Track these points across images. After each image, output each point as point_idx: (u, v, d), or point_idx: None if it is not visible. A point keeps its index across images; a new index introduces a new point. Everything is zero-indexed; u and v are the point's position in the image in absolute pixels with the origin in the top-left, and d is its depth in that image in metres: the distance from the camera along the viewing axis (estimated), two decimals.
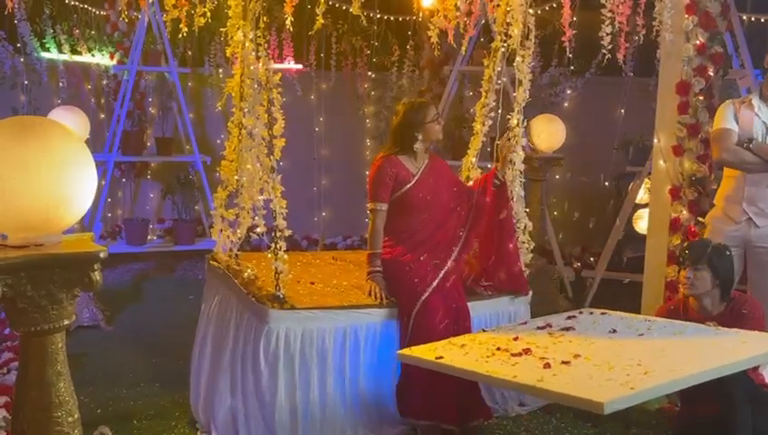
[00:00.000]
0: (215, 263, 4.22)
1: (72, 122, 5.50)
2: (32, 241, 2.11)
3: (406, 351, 3.48)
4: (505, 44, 4.23)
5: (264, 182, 3.66)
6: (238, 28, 3.62)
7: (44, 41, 7.36)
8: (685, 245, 4.06)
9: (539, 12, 6.48)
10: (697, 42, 4.82)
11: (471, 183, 4.43)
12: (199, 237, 7.55)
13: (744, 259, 4.33)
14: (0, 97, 7.07)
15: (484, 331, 3.75)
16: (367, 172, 8.22)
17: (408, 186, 4.05)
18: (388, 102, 8.15)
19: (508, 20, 4.09)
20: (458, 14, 4.21)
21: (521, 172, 4.27)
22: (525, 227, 4.34)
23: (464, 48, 4.84)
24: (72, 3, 7.40)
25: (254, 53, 3.56)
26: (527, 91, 4.21)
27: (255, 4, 3.50)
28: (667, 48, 4.86)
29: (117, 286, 6.62)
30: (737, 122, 4.31)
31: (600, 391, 2.71)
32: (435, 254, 4.02)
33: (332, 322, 3.70)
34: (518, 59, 4.10)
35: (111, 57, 7.51)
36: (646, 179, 6.11)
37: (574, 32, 4.63)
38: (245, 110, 3.65)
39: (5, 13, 5.98)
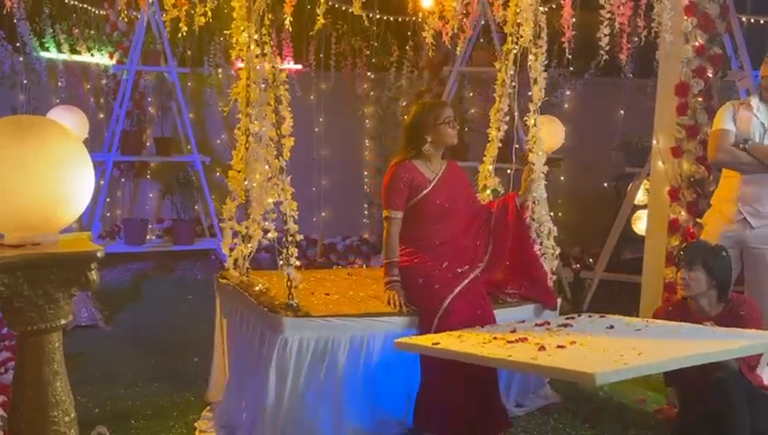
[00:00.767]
0: (224, 280, 4.05)
1: (70, 122, 5.49)
2: (29, 240, 2.11)
3: (404, 339, 3.46)
4: (517, 45, 4.13)
5: (273, 184, 3.53)
6: (243, 30, 3.53)
7: (44, 40, 7.36)
8: (681, 246, 4.06)
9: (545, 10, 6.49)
10: (696, 43, 4.83)
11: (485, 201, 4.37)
12: (198, 237, 7.55)
13: (740, 260, 4.34)
14: None
15: (481, 327, 3.72)
16: (366, 172, 8.33)
17: (425, 192, 3.92)
18: (387, 103, 8.15)
19: (518, 20, 4.04)
20: (456, 14, 4.17)
21: (543, 174, 4.15)
22: (550, 232, 4.20)
23: (459, 48, 4.80)
24: (72, 2, 7.40)
25: (259, 52, 3.48)
26: (543, 90, 4.12)
27: (260, 3, 3.45)
28: (667, 49, 4.87)
29: (115, 286, 6.61)
30: (735, 123, 4.31)
31: (591, 366, 2.71)
32: (457, 262, 3.89)
33: (350, 330, 3.55)
34: (531, 57, 4.04)
35: (111, 57, 7.52)
36: (645, 180, 6.11)
37: (574, 32, 4.63)
38: (252, 114, 3.54)
39: (4, 12, 5.99)
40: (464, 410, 3.60)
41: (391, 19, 7.82)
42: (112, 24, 7.58)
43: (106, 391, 4.36)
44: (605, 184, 7.76)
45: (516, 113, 4.34)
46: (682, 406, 3.89)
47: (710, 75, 4.85)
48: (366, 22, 4.15)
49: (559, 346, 3.07)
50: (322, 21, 3.91)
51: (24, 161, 2.03)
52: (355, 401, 3.56)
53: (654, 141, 5.11)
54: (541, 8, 4.13)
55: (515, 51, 4.20)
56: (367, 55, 7.98)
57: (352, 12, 3.92)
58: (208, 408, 4.06)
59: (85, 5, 7.51)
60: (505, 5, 4.22)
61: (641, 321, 3.73)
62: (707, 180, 4.93)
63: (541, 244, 4.21)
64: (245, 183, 3.75)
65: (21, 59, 7.18)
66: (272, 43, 3.57)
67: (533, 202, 4.14)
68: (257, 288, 3.80)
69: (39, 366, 2.15)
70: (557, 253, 4.29)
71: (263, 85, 3.54)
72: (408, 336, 3.63)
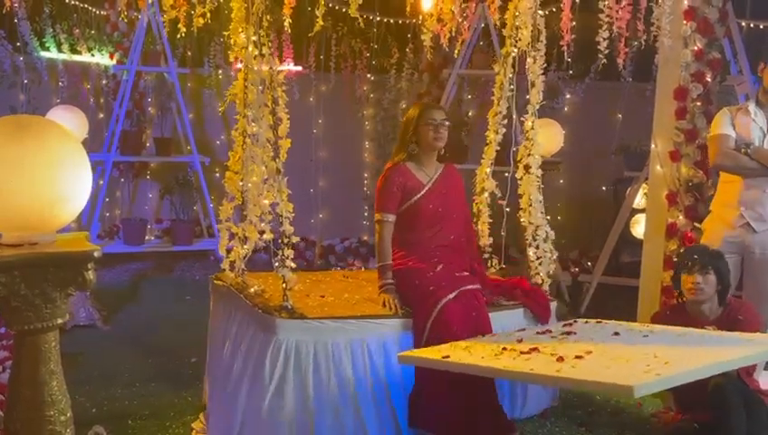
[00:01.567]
0: (219, 282, 4.05)
1: (70, 122, 5.51)
2: (26, 240, 2.11)
3: (408, 353, 3.44)
4: (516, 48, 4.14)
5: (269, 186, 3.54)
6: (241, 31, 3.54)
7: (44, 40, 7.37)
8: (684, 251, 4.05)
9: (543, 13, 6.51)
10: (695, 48, 4.83)
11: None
12: (197, 238, 7.56)
13: (741, 266, 4.33)
14: None
15: (483, 335, 3.71)
16: (365, 174, 8.33)
17: (418, 196, 3.92)
18: (386, 105, 8.16)
19: (517, 24, 4.05)
20: (453, 16, 4.18)
21: (538, 177, 4.16)
22: (547, 236, 4.21)
23: (457, 51, 4.81)
24: (73, 2, 7.41)
25: (257, 55, 3.49)
26: (540, 93, 4.14)
27: (258, 5, 3.45)
28: (665, 54, 4.87)
29: (114, 286, 6.62)
30: (734, 128, 4.31)
31: (626, 377, 2.67)
32: (452, 266, 3.89)
33: (344, 333, 3.54)
34: (529, 60, 4.06)
35: (111, 57, 7.53)
36: (643, 184, 6.11)
37: (573, 36, 4.64)
38: (250, 115, 3.54)
39: (5, 12, 6.00)
40: (461, 410, 3.58)
41: (392, 21, 7.84)
42: (113, 25, 7.59)
43: (104, 391, 4.37)
44: (604, 188, 7.77)
45: (515, 116, 4.33)
46: (678, 410, 3.89)
47: (709, 80, 4.85)
48: (362, 24, 4.12)
49: (577, 356, 3.02)
50: (321, 23, 3.90)
51: (22, 161, 2.04)
52: (350, 402, 3.55)
53: (652, 145, 5.11)
54: (540, 12, 4.14)
55: (514, 54, 4.20)
56: (367, 57, 7.99)
57: (350, 14, 3.91)
58: (206, 410, 4.05)
59: (86, 5, 7.52)
60: (503, 9, 4.23)
61: (644, 327, 3.72)
62: (706, 185, 4.92)
63: (537, 247, 4.21)
64: (241, 184, 3.75)
65: (21, 58, 7.20)
66: (270, 44, 3.57)
67: (529, 205, 4.16)
68: (252, 290, 3.80)
69: (35, 365, 2.15)
70: (554, 256, 4.29)
71: (260, 87, 3.54)
72: (403, 339, 3.63)
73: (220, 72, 7.80)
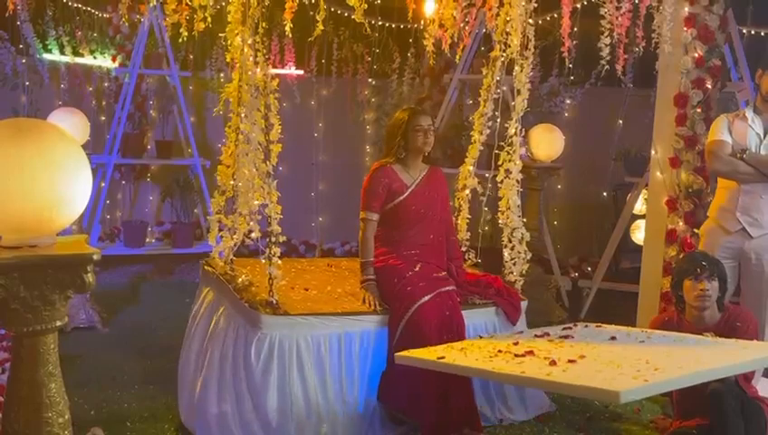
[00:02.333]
0: (209, 268, 4.21)
1: (72, 124, 5.52)
2: (25, 242, 2.12)
3: (405, 353, 3.48)
4: (504, 54, 4.23)
5: (260, 187, 3.65)
6: (237, 33, 3.62)
7: (47, 42, 7.38)
8: (687, 257, 4.04)
9: (539, 22, 6.52)
10: (696, 54, 4.85)
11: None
12: (198, 241, 7.55)
13: (738, 272, 4.34)
14: (1, 98, 7.10)
15: (480, 337, 3.76)
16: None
17: (401, 198, 4.06)
18: (388, 109, 8.18)
19: (507, 29, 4.10)
20: (455, 22, 4.21)
21: (518, 181, 4.28)
22: (522, 238, 4.32)
23: (458, 57, 4.85)
24: (75, 5, 7.43)
25: (252, 59, 3.56)
26: (526, 101, 4.22)
27: (255, 10, 3.50)
28: (666, 60, 4.89)
29: (114, 288, 6.62)
30: (731, 134, 4.33)
31: (614, 383, 2.70)
32: (431, 266, 4.03)
33: (326, 328, 3.70)
34: (516, 68, 4.11)
35: (113, 60, 7.54)
36: (643, 190, 6.12)
37: (575, 42, 4.65)
38: (243, 115, 3.64)
39: (7, 14, 6.02)
40: (436, 396, 3.68)
41: (393, 26, 7.85)
42: (115, 27, 7.60)
43: (102, 393, 4.37)
44: (604, 193, 7.78)
45: (499, 120, 4.40)
46: (677, 417, 3.89)
47: (709, 86, 4.87)
48: (367, 30, 4.15)
49: (570, 360, 3.05)
50: (321, 28, 3.96)
51: (22, 164, 2.05)
52: (332, 395, 3.68)
53: (653, 152, 5.13)
54: (541, 18, 4.17)
55: (503, 59, 4.26)
56: (368, 61, 8.00)
57: (354, 18, 3.95)
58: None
59: (88, 8, 7.54)
60: (498, 15, 4.26)
61: (641, 331, 3.73)
62: (705, 191, 4.94)
63: (512, 249, 4.27)
64: (233, 180, 3.87)
65: (23, 60, 7.21)
66: (264, 50, 3.63)
67: (507, 208, 4.21)
68: (240, 280, 3.93)
69: (34, 367, 2.16)
70: (528, 257, 4.38)
71: (254, 91, 3.62)
72: (381, 336, 3.78)
73: (222, 75, 7.81)
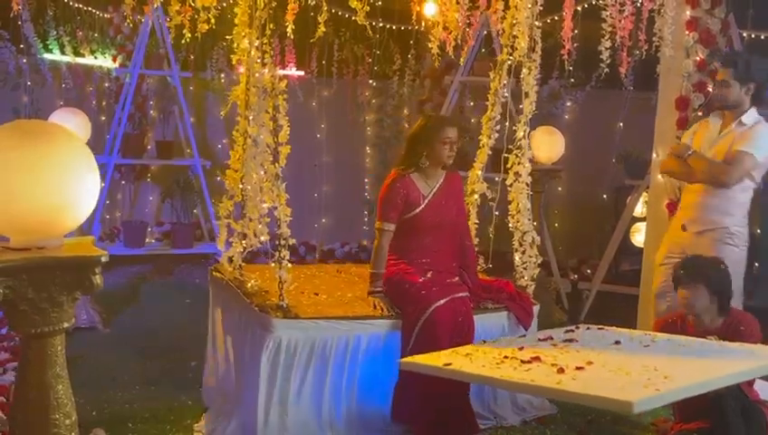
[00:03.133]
0: (218, 274, 4.18)
1: (73, 124, 5.52)
2: (33, 244, 2.13)
3: (410, 358, 3.47)
4: (511, 57, 4.20)
5: (268, 190, 3.63)
6: (244, 36, 3.60)
7: (48, 42, 7.38)
8: (677, 263, 4.06)
9: (540, 24, 6.53)
10: (697, 58, 4.87)
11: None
12: (198, 241, 7.56)
13: None
14: (2, 98, 7.09)
15: (484, 342, 3.74)
16: (366, 180, 8.33)
17: (417, 210, 3.98)
18: (388, 111, 8.18)
19: (514, 33, 4.09)
20: (458, 24, 4.21)
21: (527, 185, 4.23)
22: (533, 241, 4.28)
23: (462, 59, 4.86)
24: (76, 5, 7.42)
25: (259, 61, 3.55)
26: (533, 104, 4.18)
27: (262, 12, 3.49)
28: (667, 63, 4.91)
29: (114, 289, 6.60)
30: (693, 137, 4.43)
31: (625, 392, 2.69)
32: (442, 273, 3.97)
33: (336, 332, 3.67)
34: (524, 71, 4.10)
35: (114, 60, 7.54)
36: (644, 193, 6.13)
37: (576, 44, 4.66)
38: (251, 118, 3.62)
39: (11, 15, 6.01)
40: (434, 410, 3.68)
41: (394, 27, 7.85)
42: (116, 27, 7.60)
43: (104, 394, 4.37)
44: (605, 196, 7.79)
45: (507, 123, 4.38)
46: (677, 419, 3.90)
47: (710, 90, 4.88)
48: (369, 32, 4.15)
49: (578, 367, 3.04)
50: (323, 29, 3.94)
51: (31, 166, 2.05)
52: (341, 398, 3.68)
53: (654, 154, 5.14)
54: (542, 21, 4.17)
55: (510, 62, 4.25)
56: (369, 63, 8.01)
57: (355, 19, 3.94)
58: (205, 412, 4.07)
59: (89, 8, 7.53)
60: (504, 18, 4.26)
61: (645, 335, 3.72)
62: None
63: (524, 253, 4.25)
64: (241, 184, 3.85)
65: (24, 60, 7.20)
66: (272, 51, 3.62)
67: (517, 211, 4.19)
68: (249, 285, 3.93)
69: (42, 369, 2.16)
70: (539, 262, 4.37)
71: (261, 93, 3.60)
72: (392, 340, 3.75)
73: (222, 75, 7.81)
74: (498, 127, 4.47)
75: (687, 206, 4.41)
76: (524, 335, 3.87)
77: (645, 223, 5.63)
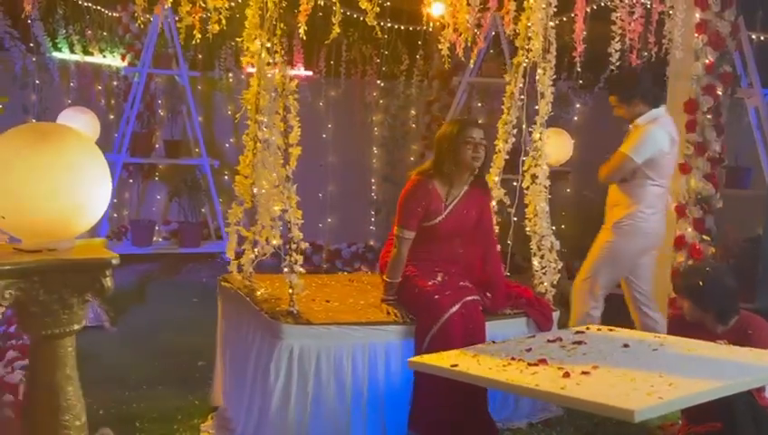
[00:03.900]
0: (227, 284, 4.12)
1: (82, 123, 5.54)
2: (45, 246, 2.13)
3: (417, 358, 3.45)
4: (527, 59, 4.16)
5: (279, 192, 3.57)
6: (255, 38, 3.56)
7: (57, 41, 7.40)
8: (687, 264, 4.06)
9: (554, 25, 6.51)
10: (707, 61, 4.86)
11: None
12: (205, 240, 7.58)
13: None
14: (11, 96, 7.09)
15: (493, 342, 3.71)
16: (373, 180, 8.33)
17: (437, 220, 3.87)
18: (395, 111, 8.18)
19: (529, 34, 4.06)
20: (468, 26, 4.19)
21: (546, 187, 4.18)
22: (552, 246, 4.23)
23: (472, 60, 4.83)
24: (85, 4, 7.44)
25: (270, 62, 3.51)
26: (550, 104, 4.14)
27: (273, 12, 3.47)
28: (676, 66, 4.90)
29: (121, 287, 6.59)
30: None
31: (628, 399, 2.69)
32: (453, 276, 3.88)
33: (349, 338, 3.58)
34: (539, 71, 4.06)
35: (123, 59, 7.56)
36: None
37: (584, 46, 4.65)
38: (262, 122, 3.57)
39: (22, 16, 6.03)
40: (450, 422, 3.62)
41: (402, 28, 7.86)
42: (125, 26, 7.62)
43: (111, 393, 4.37)
44: None
45: (524, 126, 4.34)
46: (686, 423, 3.89)
47: (720, 93, 4.88)
48: (378, 33, 4.11)
49: (583, 372, 3.03)
50: (338, 30, 3.90)
51: (43, 168, 2.06)
52: (354, 406, 3.60)
53: None
54: (551, 23, 4.15)
55: (525, 64, 4.21)
56: (377, 63, 8.01)
57: (363, 19, 3.90)
58: (213, 413, 4.08)
59: (98, 7, 7.55)
60: (516, 19, 4.24)
61: (654, 337, 3.71)
62: (714, 198, 4.95)
63: (542, 257, 4.22)
64: (254, 190, 3.77)
65: (33, 59, 7.22)
66: (282, 52, 3.57)
67: (534, 215, 4.16)
68: (259, 293, 3.86)
69: (52, 371, 2.17)
70: (559, 267, 4.31)
71: (273, 94, 3.55)
72: (406, 347, 3.67)
73: (230, 75, 7.82)
74: (515, 130, 4.42)
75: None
76: (533, 336, 3.85)
77: None
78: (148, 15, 6.92)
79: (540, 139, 4.16)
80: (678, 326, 3.86)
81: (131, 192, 8.00)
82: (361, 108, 8.23)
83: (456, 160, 3.83)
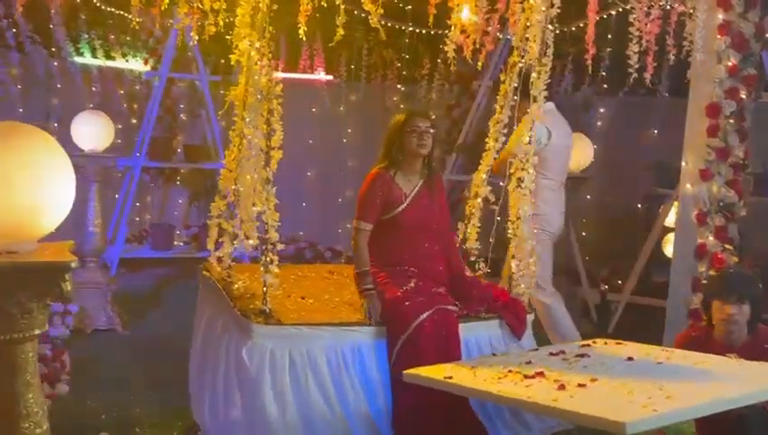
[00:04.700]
0: (207, 273, 4.15)
1: (96, 126, 5.57)
2: (4, 248, 2.08)
3: (413, 371, 3.37)
4: (523, 60, 4.09)
5: (259, 193, 3.57)
6: (244, 37, 3.58)
7: (79, 45, 7.47)
8: (719, 276, 3.88)
9: (573, 29, 6.39)
10: (730, 63, 4.69)
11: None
12: None
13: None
14: (34, 99, 7.19)
15: (494, 355, 3.64)
16: None
17: (399, 209, 3.87)
18: None
19: (527, 35, 3.97)
20: (477, 28, 4.11)
21: (530, 192, 4.10)
22: (532, 250, 4.13)
23: (480, 63, 4.74)
24: (108, 9, 7.50)
25: (259, 63, 3.51)
26: (541, 108, 4.05)
27: (264, 15, 3.46)
28: (698, 69, 4.75)
29: (139, 291, 6.64)
30: None
31: (621, 412, 2.58)
32: (427, 282, 3.82)
33: (319, 339, 3.54)
34: (534, 75, 3.98)
35: (146, 63, 7.60)
36: (676, 202, 5.93)
37: (609, 49, 4.54)
38: (247, 120, 3.59)
39: (47, 18, 6.10)
40: (440, 429, 3.55)
41: (423, 32, 7.77)
42: (148, 31, 7.66)
43: (114, 397, 4.36)
44: (638, 205, 7.58)
45: (515, 127, 4.23)
46: None
47: (743, 96, 4.70)
48: (383, 35, 4.06)
49: (580, 384, 2.94)
50: (342, 32, 3.88)
51: (1, 168, 2.00)
52: (324, 407, 3.52)
53: (683, 163, 4.97)
54: (574, 26, 4.06)
55: (520, 65, 4.11)
56: (398, 67, 7.94)
57: (384, 23, 3.85)
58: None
59: (121, 12, 7.60)
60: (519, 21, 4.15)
61: (661, 350, 3.59)
62: (737, 205, 4.77)
63: (521, 260, 4.11)
64: (235, 186, 3.80)
65: (56, 63, 7.29)
66: (270, 55, 3.58)
67: (517, 218, 4.06)
68: (236, 287, 3.86)
69: (11, 377, 2.11)
70: (536, 271, 4.20)
71: (258, 96, 3.56)
72: (377, 348, 3.62)
73: None
74: (506, 130, 4.33)
75: None
76: (537, 349, 3.74)
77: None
78: (170, 20, 6.98)
79: (529, 143, 4.03)
80: (688, 344, 3.71)
81: (153, 196, 8.04)
82: (382, 112, 8.15)
83: (403, 149, 3.87)
